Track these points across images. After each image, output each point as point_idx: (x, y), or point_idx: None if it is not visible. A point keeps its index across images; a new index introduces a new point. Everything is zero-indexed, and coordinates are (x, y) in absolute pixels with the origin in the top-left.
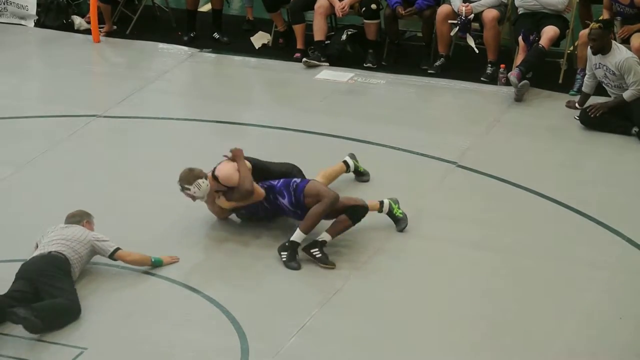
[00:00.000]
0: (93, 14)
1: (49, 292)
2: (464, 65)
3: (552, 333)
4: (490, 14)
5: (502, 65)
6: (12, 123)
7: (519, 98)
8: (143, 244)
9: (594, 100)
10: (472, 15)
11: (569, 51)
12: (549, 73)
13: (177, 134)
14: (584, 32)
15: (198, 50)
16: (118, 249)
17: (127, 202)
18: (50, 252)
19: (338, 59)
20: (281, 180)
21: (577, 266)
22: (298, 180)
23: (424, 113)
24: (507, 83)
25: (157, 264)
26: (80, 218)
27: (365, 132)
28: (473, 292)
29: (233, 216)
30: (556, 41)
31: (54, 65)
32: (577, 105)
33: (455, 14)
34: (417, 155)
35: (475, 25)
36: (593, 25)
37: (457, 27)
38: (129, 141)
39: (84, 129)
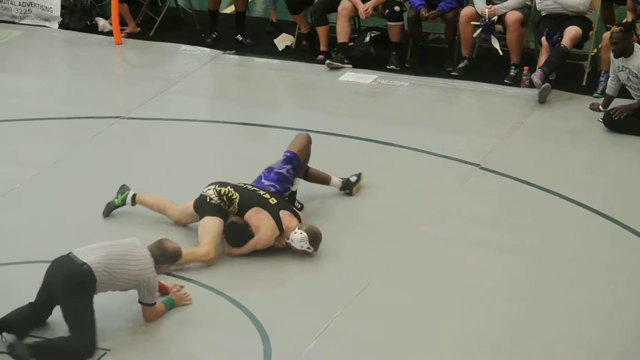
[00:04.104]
0: (114, 15)
1: (65, 317)
2: (487, 67)
3: (573, 336)
4: (514, 16)
5: (526, 68)
6: (36, 125)
7: (541, 100)
8: None
9: (617, 102)
10: (496, 17)
11: (592, 53)
12: (572, 75)
13: (200, 136)
14: (608, 34)
15: (221, 52)
16: (153, 304)
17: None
18: (82, 265)
19: (361, 61)
20: (274, 182)
21: (599, 269)
22: (284, 166)
23: (447, 115)
24: (531, 85)
25: (171, 305)
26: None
27: (388, 134)
28: (495, 295)
29: None
30: (579, 42)
31: (78, 67)
32: (600, 107)
33: (478, 16)
34: (439, 157)
35: (499, 27)
36: (614, 29)
37: (480, 29)
38: (152, 143)
39: (108, 131)
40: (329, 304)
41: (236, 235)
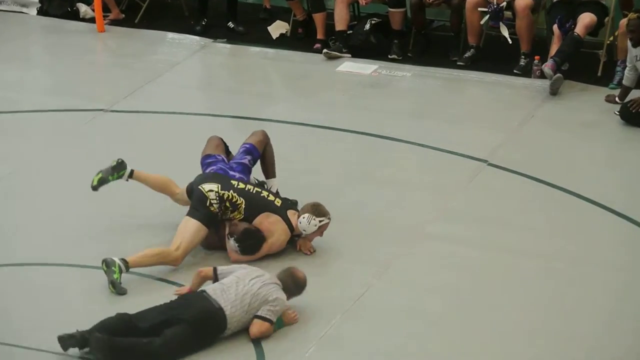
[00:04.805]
0: (97, 1)
1: (168, 334)
2: (496, 56)
3: (590, 342)
4: (523, 2)
5: (536, 57)
6: (13, 117)
7: (553, 92)
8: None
9: (635, 94)
10: (504, 3)
11: (608, 42)
12: (587, 65)
13: (189, 130)
14: (625, 21)
15: (211, 40)
16: (268, 321)
17: (135, 203)
18: (219, 310)
19: (361, 50)
20: (241, 173)
21: (616, 272)
22: (245, 156)
23: (453, 108)
24: (542, 76)
25: (279, 325)
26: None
27: (389, 128)
28: (503, 300)
29: None
30: (594, 30)
31: (57, 56)
32: (617, 99)
33: (486, 2)
34: (444, 152)
35: (508, 13)
36: (631, 16)
37: (488, 16)
38: (137, 137)
39: (90, 124)
40: (328, 308)
41: (252, 244)
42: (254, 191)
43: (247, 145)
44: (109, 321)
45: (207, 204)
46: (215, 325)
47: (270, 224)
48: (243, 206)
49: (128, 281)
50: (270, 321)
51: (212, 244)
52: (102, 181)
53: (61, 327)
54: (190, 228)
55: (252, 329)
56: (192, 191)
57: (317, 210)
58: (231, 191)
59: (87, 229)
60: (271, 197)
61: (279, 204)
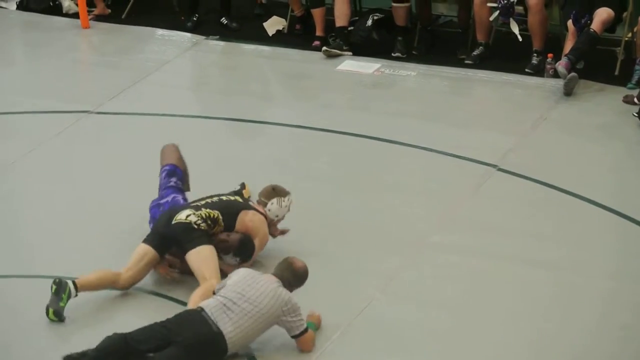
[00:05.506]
0: None
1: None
2: (506, 54)
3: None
4: None
5: (550, 55)
6: None
7: (568, 92)
8: None
9: None
10: None
11: (626, 38)
12: (603, 63)
13: (179, 133)
14: None
15: (203, 37)
16: (307, 329)
17: (122, 210)
18: (218, 334)
19: (362, 48)
20: (175, 195)
21: (635, 285)
22: (170, 179)
23: (460, 109)
24: (555, 75)
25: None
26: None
27: (392, 131)
28: (515, 314)
29: None
30: (612, 26)
31: (39, 54)
32: (635, 100)
33: None
34: (451, 157)
35: (519, 9)
36: None
37: (498, 11)
38: (124, 141)
39: (74, 127)
40: (327, 323)
41: (249, 252)
42: (217, 199)
43: (167, 167)
44: (112, 342)
45: (195, 227)
46: (213, 350)
47: (251, 223)
48: (220, 217)
49: (127, 296)
50: (305, 329)
51: (188, 269)
52: (58, 314)
53: (49, 345)
54: (205, 255)
55: (300, 348)
56: (165, 237)
57: (279, 191)
58: (202, 209)
59: (70, 239)
60: (231, 197)
61: (241, 200)
